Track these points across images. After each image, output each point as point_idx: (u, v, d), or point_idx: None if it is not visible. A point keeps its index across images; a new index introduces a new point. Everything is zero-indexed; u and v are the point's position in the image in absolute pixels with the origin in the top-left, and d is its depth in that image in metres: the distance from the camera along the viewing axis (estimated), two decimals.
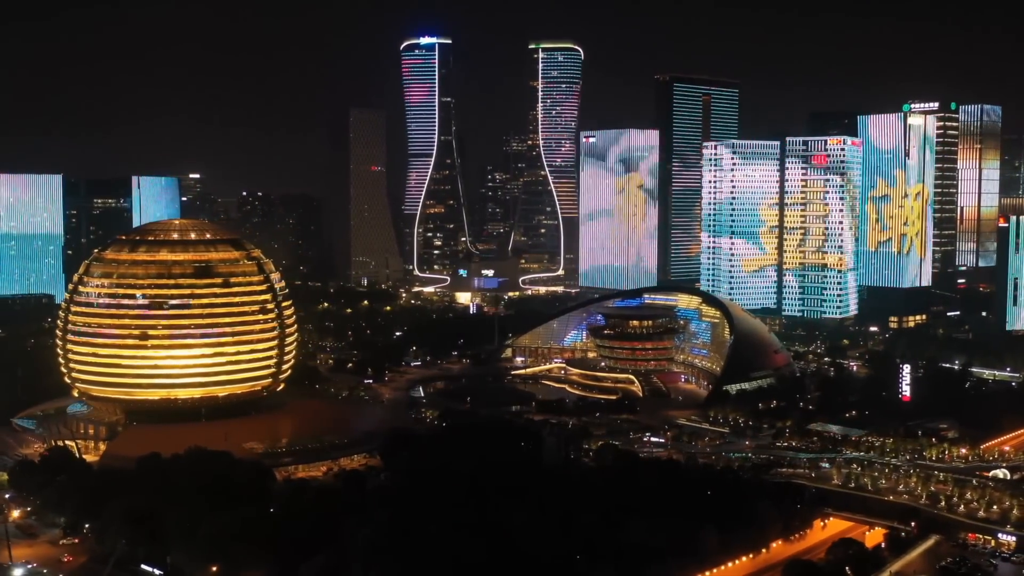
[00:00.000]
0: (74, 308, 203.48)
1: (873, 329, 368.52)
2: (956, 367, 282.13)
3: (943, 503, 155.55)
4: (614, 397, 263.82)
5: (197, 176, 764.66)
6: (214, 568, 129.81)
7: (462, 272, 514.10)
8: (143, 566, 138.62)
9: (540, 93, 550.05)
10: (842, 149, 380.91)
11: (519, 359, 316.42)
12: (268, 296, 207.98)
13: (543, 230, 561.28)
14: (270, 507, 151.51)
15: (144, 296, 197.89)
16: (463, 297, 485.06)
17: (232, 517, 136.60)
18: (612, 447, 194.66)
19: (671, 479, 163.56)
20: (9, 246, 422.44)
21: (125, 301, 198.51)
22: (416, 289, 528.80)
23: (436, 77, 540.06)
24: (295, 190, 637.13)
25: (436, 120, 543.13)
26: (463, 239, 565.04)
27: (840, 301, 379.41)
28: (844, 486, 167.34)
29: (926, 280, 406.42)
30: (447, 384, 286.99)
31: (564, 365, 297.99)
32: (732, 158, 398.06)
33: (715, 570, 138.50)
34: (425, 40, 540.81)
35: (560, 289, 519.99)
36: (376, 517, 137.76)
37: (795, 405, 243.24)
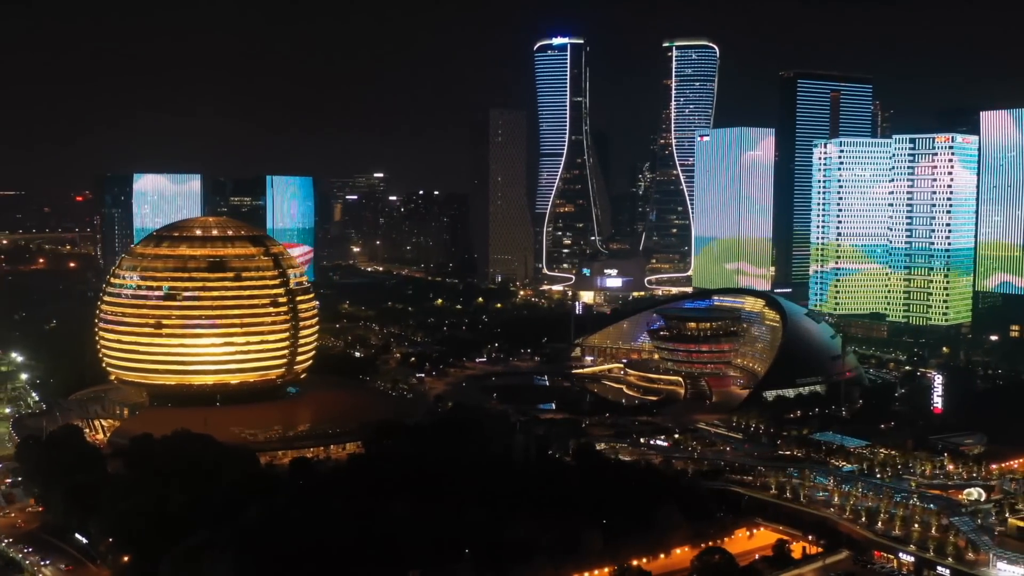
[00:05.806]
0: (105, 298, 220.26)
1: (994, 338, 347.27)
2: None
3: (864, 518, 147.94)
4: (655, 398, 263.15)
5: (380, 175, 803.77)
6: (110, 540, 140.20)
7: (585, 271, 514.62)
8: (76, 535, 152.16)
9: (673, 91, 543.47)
10: (950, 147, 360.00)
11: (588, 358, 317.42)
12: (281, 290, 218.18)
13: (674, 230, 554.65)
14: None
15: (161, 288, 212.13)
16: (586, 296, 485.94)
17: (147, 496, 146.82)
18: (588, 447, 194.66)
19: (607, 479, 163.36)
20: None
21: (145, 292, 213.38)
22: (544, 287, 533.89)
23: (567, 77, 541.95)
24: (459, 191, 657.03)
25: (567, 120, 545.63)
26: (592, 238, 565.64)
27: (947, 307, 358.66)
28: (779, 496, 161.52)
29: None
30: (495, 380, 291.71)
31: (623, 366, 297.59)
32: (840, 158, 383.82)
33: (596, 571, 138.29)
34: (557, 41, 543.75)
35: (690, 290, 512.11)
36: (275, 502, 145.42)
37: (830, 414, 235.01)
